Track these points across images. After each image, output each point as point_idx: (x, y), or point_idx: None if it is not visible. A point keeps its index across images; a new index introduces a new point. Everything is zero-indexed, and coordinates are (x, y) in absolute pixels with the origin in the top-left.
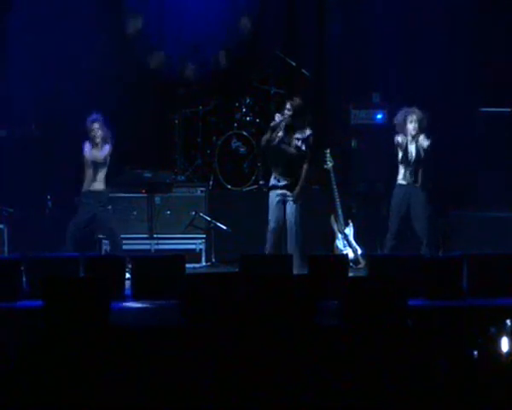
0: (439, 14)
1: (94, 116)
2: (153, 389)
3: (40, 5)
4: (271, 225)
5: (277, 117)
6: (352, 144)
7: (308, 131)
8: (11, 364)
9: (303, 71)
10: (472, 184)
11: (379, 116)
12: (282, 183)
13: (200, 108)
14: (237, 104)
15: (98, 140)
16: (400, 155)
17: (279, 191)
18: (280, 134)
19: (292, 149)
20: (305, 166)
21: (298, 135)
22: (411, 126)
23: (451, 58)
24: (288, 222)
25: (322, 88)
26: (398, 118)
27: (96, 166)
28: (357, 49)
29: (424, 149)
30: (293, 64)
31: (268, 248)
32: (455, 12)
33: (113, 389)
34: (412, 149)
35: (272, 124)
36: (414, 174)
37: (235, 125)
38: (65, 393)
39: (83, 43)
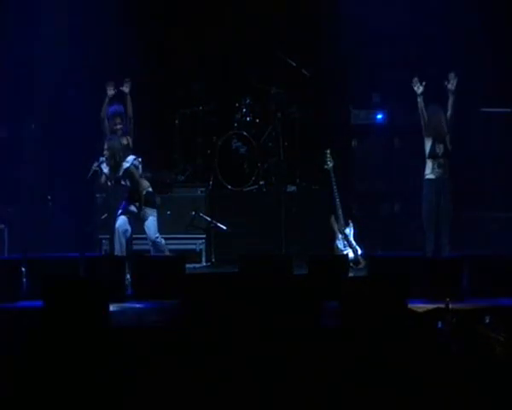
0: (439, 14)
1: (116, 107)
2: (152, 389)
3: (40, 4)
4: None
5: (94, 165)
6: (352, 144)
7: (130, 158)
8: (11, 364)
9: (303, 71)
10: (472, 185)
11: (379, 116)
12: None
13: (200, 108)
14: (237, 104)
15: (120, 133)
16: (428, 148)
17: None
18: (103, 179)
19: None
20: (141, 191)
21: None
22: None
23: (451, 58)
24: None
25: (322, 88)
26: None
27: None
28: (358, 49)
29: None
30: (294, 64)
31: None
32: (455, 11)
33: (112, 389)
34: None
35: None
36: (442, 166)
37: (236, 125)
38: (64, 393)
39: (83, 45)
